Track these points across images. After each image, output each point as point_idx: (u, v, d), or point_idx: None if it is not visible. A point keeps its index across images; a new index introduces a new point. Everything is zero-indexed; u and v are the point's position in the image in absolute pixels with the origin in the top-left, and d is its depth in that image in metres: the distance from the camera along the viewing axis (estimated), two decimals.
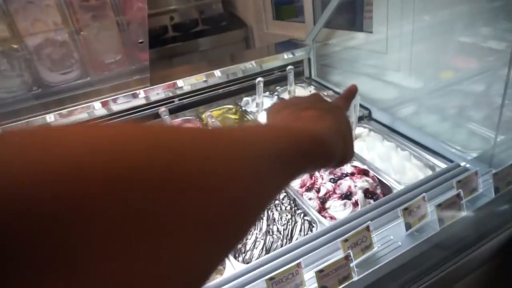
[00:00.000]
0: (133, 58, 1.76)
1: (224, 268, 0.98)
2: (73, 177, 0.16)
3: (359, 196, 1.12)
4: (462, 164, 1.20)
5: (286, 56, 1.90)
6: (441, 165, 1.24)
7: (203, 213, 0.22)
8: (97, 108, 1.61)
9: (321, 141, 0.38)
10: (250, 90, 1.84)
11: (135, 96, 1.66)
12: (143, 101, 1.69)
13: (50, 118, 1.52)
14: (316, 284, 0.80)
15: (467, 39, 1.37)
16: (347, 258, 0.81)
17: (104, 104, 1.62)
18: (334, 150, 0.41)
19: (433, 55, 1.48)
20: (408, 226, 0.91)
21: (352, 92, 0.58)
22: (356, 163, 1.26)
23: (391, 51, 1.60)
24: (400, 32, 1.54)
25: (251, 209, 0.27)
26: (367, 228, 0.87)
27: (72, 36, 1.64)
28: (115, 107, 1.64)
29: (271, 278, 0.79)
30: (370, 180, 1.19)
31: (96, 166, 0.17)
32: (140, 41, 1.52)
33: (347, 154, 0.46)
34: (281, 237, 1.05)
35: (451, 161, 1.24)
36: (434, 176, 1.12)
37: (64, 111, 1.56)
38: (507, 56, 1.09)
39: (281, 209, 1.13)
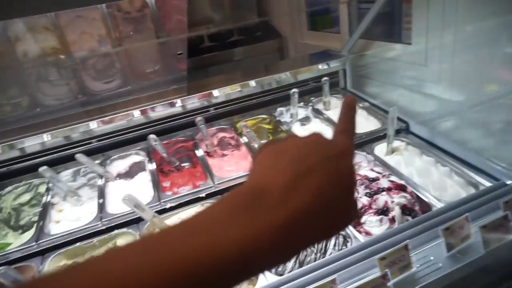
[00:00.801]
0: (171, 68, 1.82)
1: (256, 278, 0.98)
2: None
3: (396, 212, 1.09)
4: (509, 182, 1.14)
5: (321, 67, 1.89)
6: (485, 183, 1.18)
7: None
8: (136, 116, 1.66)
9: (260, 248, 0.32)
10: (284, 100, 1.84)
11: (172, 105, 1.70)
12: (179, 110, 1.73)
13: (93, 125, 1.59)
14: None
15: None
16: (384, 277, 0.79)
17: (143, 113, 1.67)
18: (296, 238, 0.34)
19: (477, 67, 1.42)
20: (450, 247, 0.87)
21: (349, 105, 0.48)
22: (393, 177, 1.23)
23: (431, 62, 1.56)
24: (441, 43, 1.49)
25: None
26: (406, 247, 0.85)
27: (114, 47, 1.73)
28: (153, 115, 1.69)
29: None
30: (408, 196, 1.15)
31: None
32: (179, 52, 1.57)
33: (338, 225, 0.38)
34: (315, 251, 1.04)
35: (496, 179, 1.18)
36: (478, 195, 1.07)
37: (105, 118, 1.62)
38: None
39: None
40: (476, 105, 1.48)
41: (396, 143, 1.46)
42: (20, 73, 1.56)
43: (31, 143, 1.51)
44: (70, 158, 1.58)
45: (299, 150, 0.39)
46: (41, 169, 1.33)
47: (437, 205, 1.10)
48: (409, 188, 1.19)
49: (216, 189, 1.31)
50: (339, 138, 0.45)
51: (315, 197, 0.35)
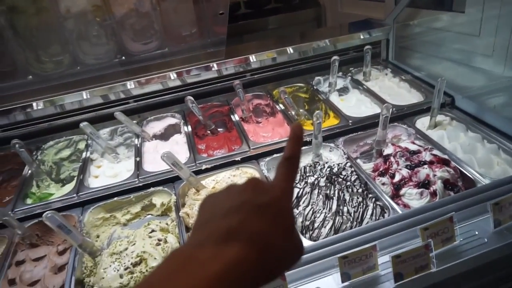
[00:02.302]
0: (209, 31, 1.79)
1: None
2: None
3: (438, 186, 1.05)
4: None
5: (363, 36, 1.81)
6: None
7: None
8: (173, 79, 1.66)
9: None
10: (322, 69, 1.79)
11: (208, 68, 1.68)
12: (215, 74, 1.71)
13: (130, 85, 1.60)
14: (390, 269, 0.77)
15: None
16: (426, 247, 0.77)
17: (179, 75, 1.66)
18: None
19: None
20: (497, 223, 0.84)
21: (296, 137, 0.45)
22: (435, 151, 1.18)
23: (484, 33, 1.45)
24: (498, 13, 1.39)
25: None
26: (450, 219, 0.82)
27: (154, 7, 1.71)
28: (189, 78, 1.69)
29: (344, 257, 0.78)
30: (452, 171, 1.11)
31: None
32: (220, 12, 1.53)
33: (278, 269, 0.38)
34: (351, 219, 1.02)
35: None
36: None
37: (142, 79, 1.63)
38: None
39: (352, 190, 1.10)
40: None
41: (440, 117, 1.40)
42: (62, 30, 1.58)
43: (71, 100, 1.54)
44: (107, 117, 1.62)
45: (232, 202, 0.40)
46: (82, 124, 1.36)
47: (482, 181, 1.05)
48: (453, 163, 1.14)
49: (251, 154, 1.31)
50: (277, 179, 0.43)
51: (248, 245, 0.35)
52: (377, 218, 1.02)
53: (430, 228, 0.80)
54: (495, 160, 1.18)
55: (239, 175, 1.23)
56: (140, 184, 1.25)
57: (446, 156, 1.17)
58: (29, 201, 1.27)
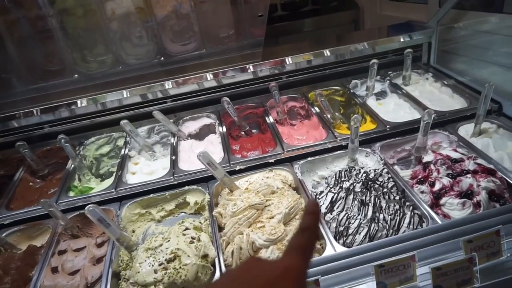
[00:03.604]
0: (246, 33, 1.81)
1: (323, 248, 0.97)
2: None
3: (482, 197, 1.00)
4: None
5: (403, 39, 1.75)
6: None
7: None
8: (209, 79, 1.68)
9: None
10: (359, 73, 1.75)
11: (244, 70, 1.69)
12: (251, 76, 1.72)
13: (168, 85, 1.64)
14: (429, 281, 0.74)
15: None
16: (470, 260, 0.74)
17: (216, 76, 1.69)
18: None
19: None
20: None
21: (309, 213, 0.42)
22: (480, 160, 1.12)
23: None
24: None
25: None
26: (497, 232, 0.77)
27: (192, 9, 1.74)
28: (225, 79, 1.71)
29: (380, 266, 0.76)
30: (498, 182, 1.05)
31: None
32: (260, 14, 1.54)
33: None
34: (387, 227, 0.99)
35: None
36: None
37: (179, 80, 1.67)
38: None
39: (389, 197, 1.07)
40: None
41: (485, 125, 1.33)
42: (107, 31, 1.65)
43: (112, 98, 1.60)
44: (145, 116, 1.67)
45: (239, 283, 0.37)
46: (122, 122, 1.41)
47: None
48: (499, 174, 1.08)
49: (285, 156, 1.30)
50: (286, 256, 0.39)
51: None
52: (415, 227, 0.98)
53: (474, 240, 0.76)
54: None
55: (273, 177, 1.23)
56: (175, 182, 1.27)
57: (491, 166, 1.11)
58: (71, 193, 1.33)
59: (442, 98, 1.53)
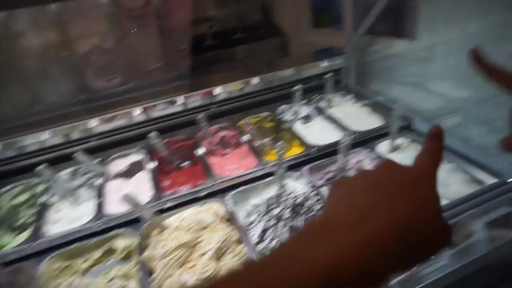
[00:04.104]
0: (174, 65, 1.81)
1: None
2: None
3: None
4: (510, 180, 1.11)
5: (325, 64, 1.87)
6: (489, 180, 1.15)
7: None
8: (137, 114, 1.65)
9: (341, 276, 0.32)
10: (287, 98, 1.82)
11: (173, 102, 1.69)
12: (181, 108, 1.72)
13: (93, 123, 1.58)
14: None
15: None
16: None
17: (144, 110, 1.66)
18: (377, 265, 0.33)
19: None
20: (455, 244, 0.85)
21: (433, 136, 0.45)
22: None
23: (436, 58, 1.53)
24: (447, 39, 1.47)
25: None
26: None
27: (117, 44, 1.71)
28: (154, 113, 1.68)
29: None
30: None
31: None
32: (183, 47, 1.55)
33: (424, 250, 0.37)
34: None
35: (500, 175, 1.15)
36: (481, 192, 1.05)
37: (106, 116, 1.61)
38: None
39: None
40: (480, 101, 1.44)
41: (400, 140, 1.43)
42: (21, 69, 1.55)
43: (30, 142, 1.50)
44: (70, 157, 1.58)
45: (369, 182, 0.40)
46: (38, 168, 1.32)
47: (442, 202, 1.07)
48: None
49: (217, 188, 1.30)
50: (418, 161, 0.43)
51: (389, 221, 0.34)
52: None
53: None
54: (452, 180, 1.21)
55: (204, 211, 1.21)
56: (102, 228, 1.20)
57: None
58: None
59: (363, 118, 1.63)
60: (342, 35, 2.17)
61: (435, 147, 0.44)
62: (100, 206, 1.29)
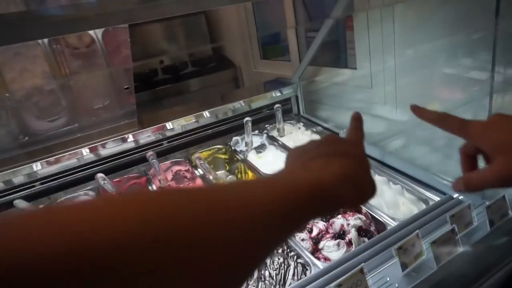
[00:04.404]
0: (121, 102, 1.77)
1: None
2: (79, 251, 0.21)
3: (352, 235, 1.09)
4: (455, 196, 1.18)
5: (274, 95, 1.92)
6: (434, 198, 1.21)
7: (197, 277, 0.25)
8: (85, 155, 1.58)
9: (322, 191, 0.39)
10: (240, 129, 1.84)
11: (123, 140, 1.64)
12: (132, 145, 1.68)
13: (37, 166, 1.50)
14: None
15: (450, 70, 1.40)
16: None
17: (93, 150, 1.60)
18: (340, 196, 0.41)
19: (418, 87, 1.50)
20: (404, 266, 0.87)
21: (357, 119, 0.57)
22: None
23: (376, 85, 1.63)
24: (384, 67, 1.57)
25: (244, 269, 0.31)
26: (361, 270, 0.84)
27: (60, 83, 1.66)
28: (104, 152, 1.63)
29: None
30: (363, 218, 1.16)
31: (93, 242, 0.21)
32: (125, 87, 1.53)
33: (362, 195, 0.46)
34: (274, 283, 1.00)
35: (443, 193, 1.22)
36: (427, 211, 1.10)
37: (51, 159, 1.53)
38: (488, 86, 1.11)
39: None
40: (420, 123, 1.54)
41: None
42: None
43: None
44: (10, 205, 1.47)
45: (322, 142, 0.50)
46: None
47: (391, 224, 1.11)
48: (364, 209, 1.20)
49: None
50: (351, 136, 0.55)
51: (346, 166, 0.43)
52: (299, 277, 1.01)
53: (343, 283, 0.81)
54: (401, 200, 1.27)
55: None
56: None
57: None
58: None
59: None
60: (289, 66, 2.27)
61: (359, 125, 0.56)
62: None
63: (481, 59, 1.26)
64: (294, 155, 0.49)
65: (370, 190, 0.47)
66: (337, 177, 0.41)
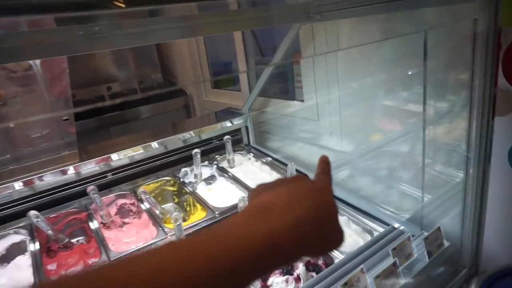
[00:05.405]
0: (61, 132, 1.67)
1: None
2: None
3: (301, 270, 1.09)
4: (396, 226, 1.22)
5: (224, 125, 1.92)
6: (378, 228, 1.25)
7: None
8: (18, 188, 1.46)
9: (279, 247, 0.37)
10: (189, 160, 1.80)
11: (63, 172, 1.54)
12: (72, 177, 1.57)
13: None
14: None
15: (390, 102, 1.48)
16: None
17: (27, 183, 1.48)
18: (300, 248, 0.40)
19: (362, 119, 1.57)
20: None
21: (325, 163, 0.56)
22: None
23: (322, 117, 1.69)
24: (329, 99, 1.64)
25: None
26: None
27: None
28: (40, 185, 1.51)
29: None
30: None
31: None
32: (64, 118, 1.45)
33: (328, 243, 0.45)
34: None
35: (386, 224, 1.26)
36: (371, 243, 1.13)
37: None
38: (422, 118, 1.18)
39: None
40: (364, 154, 1.61)
41: None
42: None
43: None
44: None
45: (289, 185, 0.47)
46: None
47: (339, 256, 1.13)
48: None
49: None
50: (318, 178, 0.54)
51: (310, 211, 0.41)
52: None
53: None
54: (347, 232, 1.29)
55: None
56: None
57: None
58: None
59: (262, 177, 1.68)
60: (240, 96, 2.29)
61: (327, 169, 0.55)
62: None
63: (416, 93, 1.35)
64: (258, 192, 0.47)
65: (336, 238, 0.45)
66: (300, 225, 0.39)
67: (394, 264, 0.94)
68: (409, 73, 1.38)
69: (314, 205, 0.43)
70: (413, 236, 1.07)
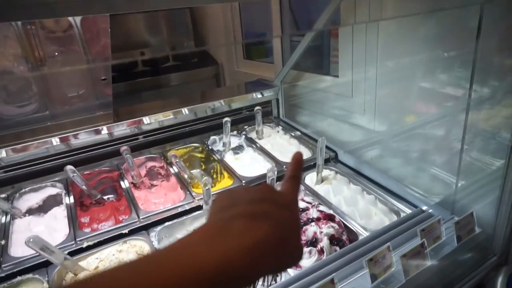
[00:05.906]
0: (97, 92, 1.71)
1: None
2: None
3: (324, 243, 1.09)
4: (425, 208, 1.20)
5: (255, 96, 1.91)
6: (406, 210, 1.24)
7: None
8: (55, 144, 1.52)
9: (230, 272, 0.35)
10: (218, 128, 1.81)
11: (97, 132, 1.59)
12: (105, 137, 1.62)
13: (1, 153, 1.42)
14: None
15: (427, 84, 1.42)
16: None
17: (63, 140, 1.54)
18: (253, 274, 0.38)
19: (396, 100, 1.52)
20: (373, 278, 0.88)
21: (296, 161, 0.53)
22: (322, 207, 1.24)
23: (356, 94, 1.64)
24: (365, 77, 1.59)
25: None
26: (332, 281, 0.84)
27: (33, 68, 1.58)
28: (75, 143, 1.56)
29: None
30: (336, 226, 1.16)
31: None
32: (102, 78, 1.47)
33: (286, 261, 0.43)
34: None
35: (415, 206, 1.24)
36: (398, 223, 1.12)
37: (18, 146, 1.46)
38: (464, 102, 1.13)
39: None
40: (396, 135, 1.57)
41: (326, 172, 1.49)
42: None
43: None
44: None
45: (253, 195, 0.45)
46: None
47: (363, 234, 1.12)
48: (337, 218, 1.21)
49: (141, 224, 1.22)
50: (285, 188, 0.50)
51: (274, 227, 0.40)
52: (269, 283, 1.00)
53: None
54: (373, 211, 1.28)
55: (127, 250, 1.13)
56: (4, 274, 1.06)
57: (331, 211, 1.23)
58: None
59: (291, 150, 1.68)
60: (272, 68, 2.26)
61: (296, 174, 0.51)
62: (3, 249, 1.13)
63: (457, 76, 1.29)
64: (221, 206, 0.44)
65: (295, 255, 0.44)
66: (259, 247, 0.38)
67: (422, 244, 0.93)
68: (451, 54, 1.31)
69: (276, 224, 0.41)
70: (443, 219, 1.05)
